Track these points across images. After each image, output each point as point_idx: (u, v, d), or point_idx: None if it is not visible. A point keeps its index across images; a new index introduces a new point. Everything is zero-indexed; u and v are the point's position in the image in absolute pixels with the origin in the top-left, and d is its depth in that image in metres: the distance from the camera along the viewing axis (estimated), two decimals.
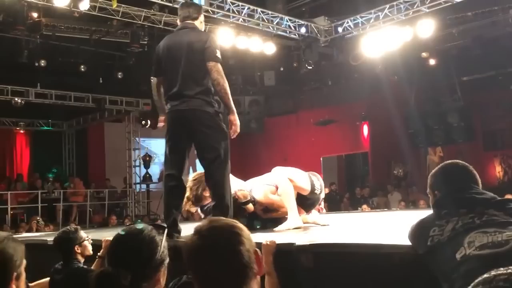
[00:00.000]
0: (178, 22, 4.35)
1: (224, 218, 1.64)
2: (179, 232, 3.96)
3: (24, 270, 1.76)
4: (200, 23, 4.31)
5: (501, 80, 12.62)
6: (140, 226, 1.80)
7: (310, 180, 4.64)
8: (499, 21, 10.75)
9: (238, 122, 4.05)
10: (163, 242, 1.76)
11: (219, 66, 4.01)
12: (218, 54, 4.04)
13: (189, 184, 4.58)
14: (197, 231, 1.54)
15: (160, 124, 4.33)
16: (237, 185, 4.47)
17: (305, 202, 4.69)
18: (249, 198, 4.43)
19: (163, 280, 1.76)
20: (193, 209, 4.78)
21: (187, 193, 4.62)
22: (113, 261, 1.71)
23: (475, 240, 2.05)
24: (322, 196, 4.89)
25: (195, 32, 4.21)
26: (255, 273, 1.52)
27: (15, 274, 1.70)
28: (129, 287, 1.62)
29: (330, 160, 16.70)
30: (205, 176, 4.11)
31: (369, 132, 15.84)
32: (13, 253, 1.71)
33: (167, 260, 1.78)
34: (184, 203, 4.62)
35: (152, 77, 4.28)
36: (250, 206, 4.46)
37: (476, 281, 1.09)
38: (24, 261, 1.76)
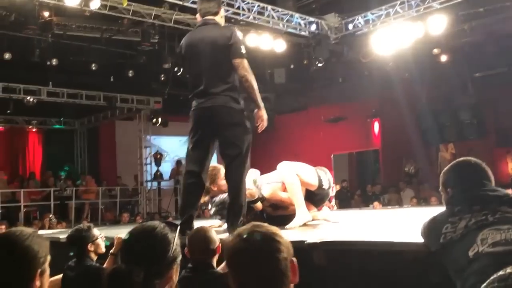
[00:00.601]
0: (198, 17, 4.32)
1: (266, 224, 1.64)
2: (192, 229, 3.97)
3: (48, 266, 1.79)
4: (220, 18, 4.28)
5: None
6: (155, 224, 1.81)
7: (318, 175, 4.63)
8: (511, 17, 10.63)
9: (266, 117, 4.07)
10: (175, 239, 1.77)
11: (245, 62, 4.01)
12: (243, 50, 4.05)
13: None
14: (239, 234, 1.59)
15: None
16: (248, 183, 4.48)
17: (313, 198, 4.68)
18: (256, 196, 4.43)
19: (175, 277, 1.77)
20: (202, 200, 4.80)
21: None
22: (126, 258, 1.72)
23: (488, 237, 2.04)
24: (331, 191, 4.87)
25: (218, 28, 4.20)
26: (290, 281, 1.55)
27: (39, 270, 1.73)
28: (141, 284, 1.62)
29: (341, 157, 16.65)
30: (225, 172, 4.13)
31: (380, 129, 15.76)
32: (38, 249, 1.74)
33: (179, 258, 1.79)
34: None
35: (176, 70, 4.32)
36: (259, 205, 4.47)
37: (492, 278, 1.08)
38: (49, 257, 1.79)
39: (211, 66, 4.00)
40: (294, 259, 1.58)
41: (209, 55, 4.00)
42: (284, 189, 4.53)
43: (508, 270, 1.08)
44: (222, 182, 4.51)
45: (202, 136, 4.07)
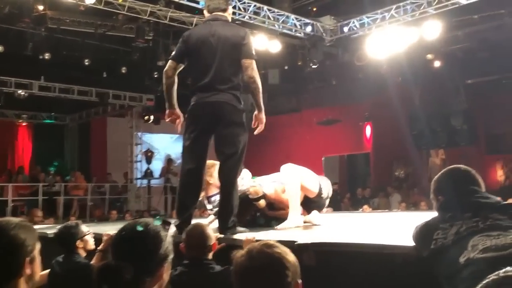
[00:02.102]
0: (206, 13, 4.27)
1: (278, 244, 1.64)
2: None
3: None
4: (228, 15, 4.27)
5: (505, 84, 12.58)
6: (148, 221, 1.80)
7: (319, 184, 4.62)
8: (505, 25, 10.70)
9: (264, 121, 4.05)
10: (168, 237, 1.76)
11: (255, 64, 4.00)
12: (254, 51, 4.05)
13: None
14: (249, 251, 1.60)
15: (168, 119, 4.20)
16: (249, 181, 4.47)
17: (310, 204, 4.67)
18: (260, 194, 4.41)
19: (166, 276, 1.76)
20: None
21: None
22: (117, 255, 1.71)
23: (478, 244, 2.04)
24: (327, 201, 4.85)
25: (231, 26, 4.20)
26: None
27: (28, 258, 1.74)
28: (131, 281, 1.61)
29: (332, 160, 16.69)
30: (219, 170, 4.10)
31: (372, 132, 15.81)
32: (25, 238, 1.75)
33: (171, 256, 1.77)
34: None
35: (170, 60, 4.17)
36: (262, 202, 4.45)
37: (484, 282, 1.07)
38: (38, 245, 1.80)
39: (221, 62, 3.96)
40: (300, 281, 1.60)
41: (220, 51, 3.97)
42: (284, 191, 4.52)
43: (501, 273, 1.07)
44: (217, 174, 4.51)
45: (201, 132, 4.02)
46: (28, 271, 1.74)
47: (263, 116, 4.04)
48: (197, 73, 4.06)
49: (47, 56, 11.65)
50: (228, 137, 3.99)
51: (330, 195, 4.77)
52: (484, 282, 1.08)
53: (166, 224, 1.82)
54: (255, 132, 4.07)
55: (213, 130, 4.02)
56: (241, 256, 1.59)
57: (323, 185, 4.63)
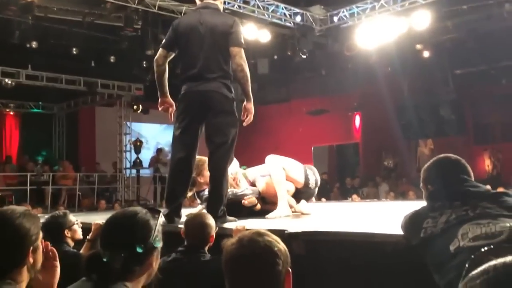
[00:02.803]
0: (197, 1, 4.24)
1: (268, 233, 1.63)
2: (180, 217, 3.94)
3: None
4: (220, 3, 4.24)
5: (493, 74, 12.66)
6: (137, 209, 1.79)
7: (305, 174, 4.61)
8: (494, 15, 10.74)
9: (253, 111, 4.02)
10: (157, 226, 1.75)
11: (243, 52, 3.98)
12: (243, 40, 4.02)
13: None
14: (240, 239, 1.59)
15: (160, 108, 4.15)
16: (243, 183, 4.48)
17: (299, 195, 4.68)
18: (255, 202, 4.43)
19: (155, 264, 1.75)
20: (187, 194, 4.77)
21: None
22: (106, 243, 1.69)
23: (468, 232, 2.04)
24: (316, 191, 4.86)
25: (220, 14, 4.17)
26: None
27: (31, 247, 1.77)
28: (120, 269, 1.60)
29: (321, 150, 16.73)
30: (209, 160, 4.07)
31: (361, 122, 15.86)
32: (30, 227, 1.78)
33: (160, 245, 1.76)
34: None
35: (161, 48, 4.12)
36: (258, 207, 4.48)
37: (471, 275, 1.06)
38: (41, 235, 1.83)
39: (209, 51, 3.94)
40: (290, 269, 1.59)
41: (209, 40, 3.95)
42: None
43: (492, 263, 1.06)
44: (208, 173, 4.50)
45: (192, 120, 3.99)
46: (31, 260, 1.76)
47: (251, 106, 4.01)
48: (187, 62, 4.04)
49: (34, 44, 11.50)
50: (218, 126, 3.96)
51: (318, 184, 4.77)
52: (474, 272, 1.07)
53: (155, 212, 1.79)
54: (244, 123, 4.05)
55: (203, 119, 3.99)
56: (232, 245, 1.58)
57: (309, 175, 4.63)
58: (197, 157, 4.40)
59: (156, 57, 4.10)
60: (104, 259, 1.62)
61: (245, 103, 4.02)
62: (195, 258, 2.96)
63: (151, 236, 1.71)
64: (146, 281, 1.74)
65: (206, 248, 3.06)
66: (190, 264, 2.93)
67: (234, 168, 4.48)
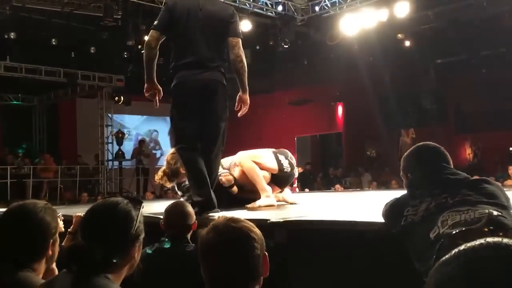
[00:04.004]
0: None
1: (242, 219, 1.62)
2: (215, 209, 3.77)
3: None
4: None
5: (474, 63, 12.78)
6: (118, 200, 1.76)
7: (277, 159, 4.61)
8: (474, 4, 10.82)
9: (249, 102, 3.97)
10: (139, 216, 1.72)
11: (241, 43, 3.92)
12: (240, 30, 3.97)
13: (167, 157, 4.54)
14: (215, 227, 1.58)
15: (147, 94, 3.91)
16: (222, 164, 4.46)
17: (277, 180, 4.69)
18: (232, 182, 4.40)
19: (137, 255, 1.73)
20: (168, 185, 4.74)
21: (164, 167, 4.57)
22: (86, 235, 1.67)
23: (448, 219, 2.06)
24: (296, 172, 4.87)
25: (218, 2, 4.10)
26: (260, 274, 1.57)
27: (51, 240, 1.90)
28: (102, 261, 1.57)
29: (304, 140, 16.78)
30: (202, 151, 3.92)
31: (344, 112, 15.93)
32: (51, 221, 1.90)
33: (142, 235, 1.74)
34: (159, 177, 4.57)
35: (153, 30, 3.88)
36: (235, 189, 4.43)
37: (440, 262, 1.05)
38: (58, 227, 1.96)
39: (210, 39, 3.84)
40: (266, 254, 1.60)
41: (209, 27, 3.84)
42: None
43: (462, 247, 1.06)
44: None
45: (194, 109, 3.85)
46: (50, 252, 1.88)
47: (247, 97, 3.95)
48: (184, 48, 3.87)
49: (12, 35, 11.35)
50: (215, 115, 3.89)
51: (294, 165, 4.74)
52: (439, 262, 1.06)
53: (136, 203, 1.76)
54: (239, 114, 3.98)
55: (201, 107, 3.86)
56: (208, 233, 1.57)
57: (282, 160, 4.64)
58: (173, 150, 4.37)
59: (148, 39, 3.88)
60: (85, 251, 1.59)
61: (240, 93, 3.94)
62: (180, 248, 2.94)
63: (133, 227, 1.68)
64: (128, 272, 1.71)
65: (189, 236, 3.04)
66: (175, 254, 2.92)
67: None
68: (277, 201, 4.59)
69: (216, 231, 1.56)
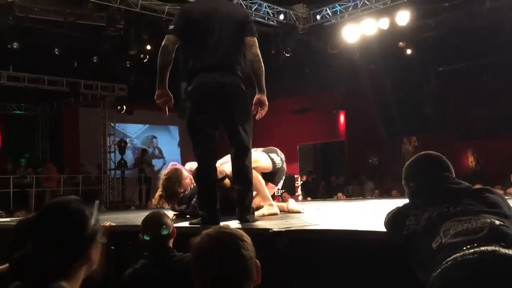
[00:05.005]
0: None
1: (232, 227, 1.65)
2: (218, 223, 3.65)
3: None
4: None
5: (475, 71, 12.78)
6: (70, 199, 1.62)
7: (270, 158, 4.65)
8: (475, 12, 10.84)
9: (267, 103, 3.87)
10: (94, 215, 1.61)
11: (257, 42, 3.82)
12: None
13: (162, 181, 4.44)
14: (207, 234, 1.60)
15: (159, 101, 3.74)
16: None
17: (272, 177, 4.72)
18: (224, 174, 4.33)
19: (95, 257, 1.61)
20: (166, 206, 4.72)
21: (159, 191, 4.50)
22: (37, 239, 1.54)
23: (450, 229, 2.05)
24: (285, 166, 4.86)
25: (231, 4, 4.09)
26: (253, 281, 1.58)
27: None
28: (56, 267, 1.48)
29: (306, 148, 16.77)
30: (235, 158, 3.81)
31: (345, 120, 15.93)
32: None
33: (99, 235, 1.62)
34: (156, 200, 4.54)
35: (170, 34, 3.74)
36: (227, 181, 4.37)
37: (443, 267, 1.06)
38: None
39: (229, 41, 3.73)
40: (257, 261, 1.61)
41: (226, 29, 3.73)
42: None
43: (459, 257, 1.06)
44: (186, 181, 4.44)
45: (211, 114, 3.72)
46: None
47: (265, 98, 3.84)
48: (201, 51, 3.74)
49: (15, 45, 11.39)
50: (239, 122, 3.75)
51: (284, 159, 4.78)
52: (442, 267, 1.08)
53: (90, 201, 1.65)
54: (257, 117, 3.89)
55: (220, 113, 3.75)
56: (201, 239, 1.58)
57: (274, 157, 4.67)
58: (173, 168, 4.36)
59: (164, 43, 3.71)
60: (36, 259, 1.48)
61: (257, 95, 3.84)
62: (165, 259, 2.90)
63: (88, 227, 1.57)
64: (86, 274, 1.60)
65: (171, 242, 2.99)
66: (162, 266, 2.87)
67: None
68: (281, 211, 4.60)
69: (209, 237, 1.58)
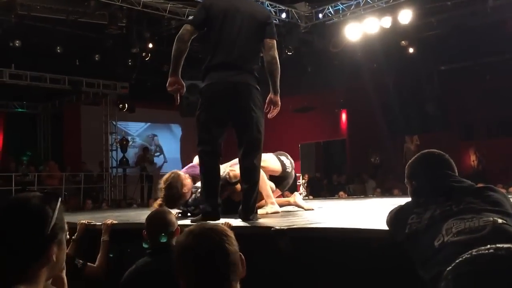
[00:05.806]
0: None
1: (213, 222, 1.69)
2: (219, 218, 3.74)
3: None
4: None
5: (477, 70, 12.76)
6: (28, 195, 1.50)
7: (280, 160, 4.68)
8: (477, 11, 10.82)
9: (279, 104, 3.92)
10: (55, 213, 1.48)
11: (276, 44, 3.85)
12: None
13: (162, 186, 4.42)
14: (190, 231, 1.62)
15: (170, 88, 3.75)
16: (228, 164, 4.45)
17: (280, 182, 4.72)
18: (238, 178, 4.35)
19: (57, 256, 1.49)
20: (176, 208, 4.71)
21: (159, 200, 4.45)
22: None
23: (452, 227, 2.05)
24: (293, 172, 4.92)
25: (252, 2, 4.06)
26: (239, 273, 1.60)
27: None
28: (12, 268, 1.39)
29: (308, 147, 16.75)
30: (243, 157, 3.83)
31: (347, 119, 15.91)
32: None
33: (62, 234, 1.51)
34: (156, 205, 4.52)
35: (188, 24, 3.79)
36: (238, 186, 4.39)
37: (457, 261, 1.07)
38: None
39: (246, 41, 3.74)
40: (241, 254, 1.62)
41: (246, 28, 3.74)
42: None
43: (474, 252, 1.07)
44: (188, 181, 4.45)
45: (222, 113, 3.75)
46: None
47: (279, 99, 3.90)
48: (220, 48, 3.75)
49: (17, 43, 11.40)
50: (252, 122, 3.77)
51: (293, 164, 4.84)
52: (457, 261, 1.08)
53: (52, 197, 1.52)
54: (269, 116, 3.93)
55: (231, 112, 3.77)
56: (186, 238, 1.60)
57: (284, 160, 4.70)
58: (171, 172, 4.37)
59: (181, 32, 3.72)
60: None
61: (271, 95, 3.89)
62: (167, 257, 2.89)
63: (48, 226, 1.45)
64: (50, 276, 1.51)
65: (173, 241, 2.99)
66: (164, 264, 2.87)
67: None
68: (287, 205, 4.63)
69: (193, 234, 1.61)
